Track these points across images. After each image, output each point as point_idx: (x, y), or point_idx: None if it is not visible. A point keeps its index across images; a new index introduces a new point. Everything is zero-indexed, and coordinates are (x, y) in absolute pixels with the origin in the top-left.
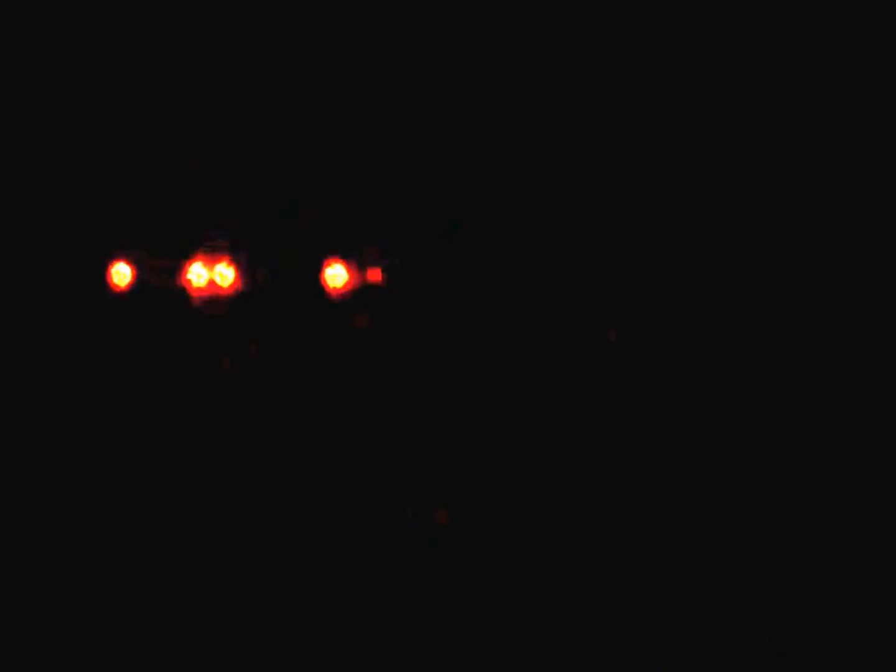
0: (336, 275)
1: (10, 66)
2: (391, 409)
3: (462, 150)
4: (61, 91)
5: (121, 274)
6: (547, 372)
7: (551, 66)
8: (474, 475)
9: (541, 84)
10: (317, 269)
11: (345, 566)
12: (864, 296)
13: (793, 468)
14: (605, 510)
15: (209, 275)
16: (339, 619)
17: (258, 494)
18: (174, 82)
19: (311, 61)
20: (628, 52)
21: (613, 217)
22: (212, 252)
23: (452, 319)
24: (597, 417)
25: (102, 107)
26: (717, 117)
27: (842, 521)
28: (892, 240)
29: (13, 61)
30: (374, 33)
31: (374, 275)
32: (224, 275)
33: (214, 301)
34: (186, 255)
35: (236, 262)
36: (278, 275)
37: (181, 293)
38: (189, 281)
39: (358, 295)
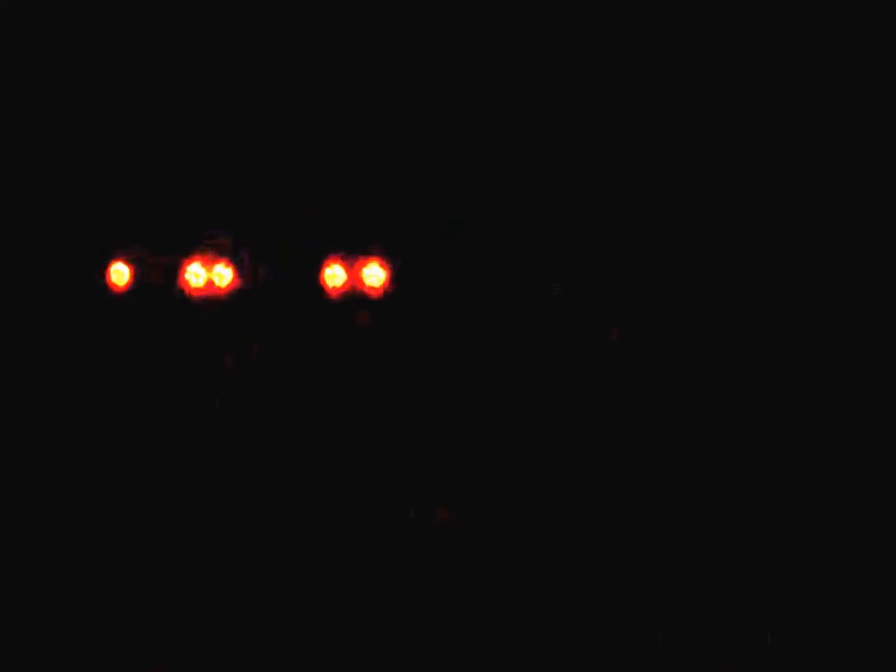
0: (335, 275)
1: (9, 65)
2: (391, 409)
3: (463, 150)
4: (61, 90)
5: (119, 273)
6: (548, 371)
7: (551, 66)
8: (475, 474)
9: (541, 84)
10: (316, 270)
11: (344, 567)
12: (864, 296)
13: (793, 468)
14: (606, 509)
15: (207, 275)
16: (339, 618)
17: (258, 494)
18: (173, 82)
19: (313, 61)
20: (628, 52)
21: (614, 217)
22: (214, 251)
23: (453, 318)
24: (598, 416)
25: (102, 106)
26: (717, 117)
27: (842, 522)
28: (893, 240)
29: (13, 60)
30: (374, 33)
31: (373, 275)
32: (222, 275)
33: (213, 301)
34: (185, 254)
35: (237, 260)
36: (278, 274)
37: (180, 293)
38: (187, 281)
39: (357, 295)
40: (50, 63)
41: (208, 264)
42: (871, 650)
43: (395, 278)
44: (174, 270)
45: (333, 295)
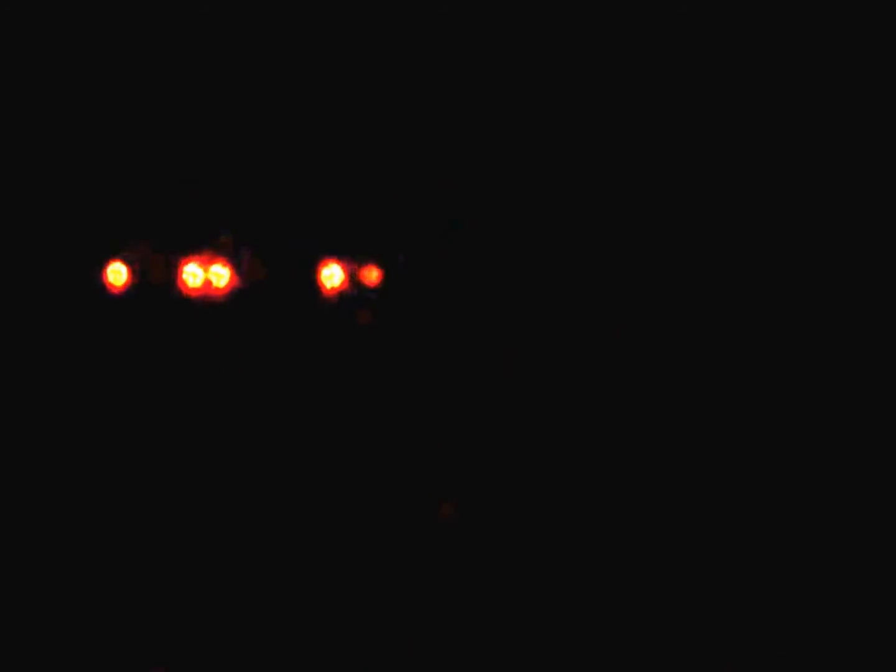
0: (332, 275)
1: (9, 63)
2: (392, 408)
3: (463, 150)
4: (60, 89)
5: (117, 273)
6: (548, 370)
7: (551, 66)
8: (475, 473)
9: (541, 84)
10: (313, 269)
11: (345, 565)
12: (864, 296)
13: (793, 468)
14: (608, 507)
15: (205, 275)
16: (341, 616)
17: (258, 494)
18: (172, 82)
19: (314, 61)
20: (628, 52)
21: (615, 217)
22: (214, 250)
23: (454, 318)
24: (599, 415)
25: (101, 105)
26: (717, 117)
27: (842, 522)
28: (893, 240)
29: (12, 59)
30: (373, 33)
31: (371, 275)
32: (220, 274)
33: (210, 300)
34: (183, 254)
35: (238, 259)
36: (277, 274)
37: (178, 292)
38: (184, 281)
39: (356, 294)
40: (49, 62)
41: (206, 264)
42: (872, 650)
43: (396, 278)
44: (172, 270)
45: (330, 295)
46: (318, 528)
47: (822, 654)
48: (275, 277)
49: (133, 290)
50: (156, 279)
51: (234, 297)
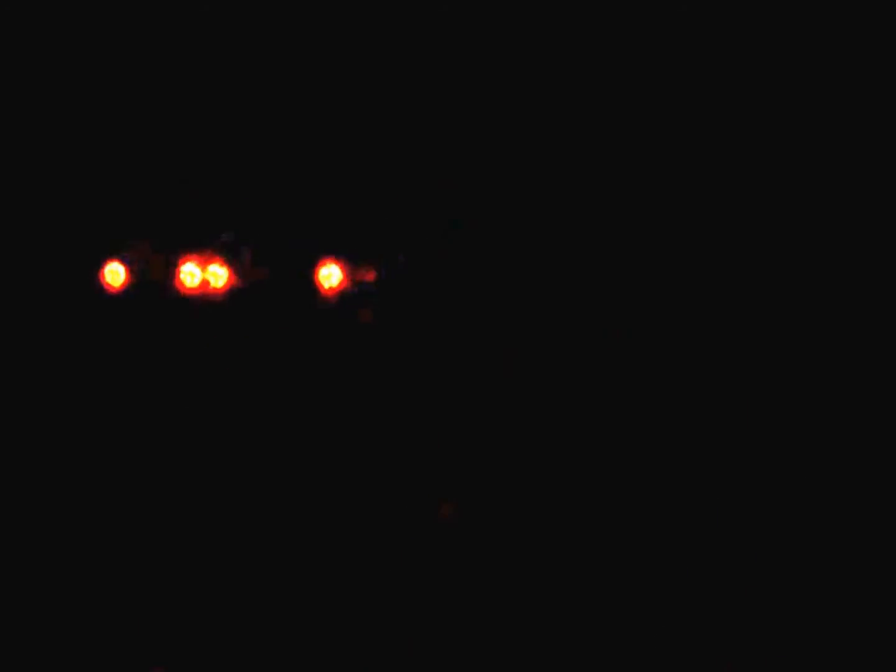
0: (330, 275)
1: (8, 62)
2: (392, 407)
3: (462, 150)
4: (59, 90)
5: (115, 273)
6: (548, 370)
7: (551, 66)
8: (475, 472)
9: (541, 84)
10: (311, 269)
11: (345, 565)
12: (864, 296)
13: (792, 468)
14: (608, 507)
15: (202, 274)
16: (341, 615)
17: (257, 493)
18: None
19: (313, 61)
20: (628, 52)
21: (614, 217)
22: (214, 249)
23: (454, 317)
24: (599, 414)
25: (100, 105)
26: (717, 117)
27: (842, 521)
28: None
29: (11, 58)
30: (373, 33)
31: (369, 274)
32: (217, 274)
33: (208, 300)
34: (181, 253)
35: (239, 259)
36: (276, 273)
37: (175, 292)
38: (182, 281)
39: (354, 293)
40: (48, 62)
41: (203, 264)
42: (872, 650)
43: (396, 277)
44: (172, 269)
45: (329, 294)
46: (318, 528)
47: (822, 654)
48: (274, 277)
49: (133, 289)
50: (155, 278)
51: (233, 296)
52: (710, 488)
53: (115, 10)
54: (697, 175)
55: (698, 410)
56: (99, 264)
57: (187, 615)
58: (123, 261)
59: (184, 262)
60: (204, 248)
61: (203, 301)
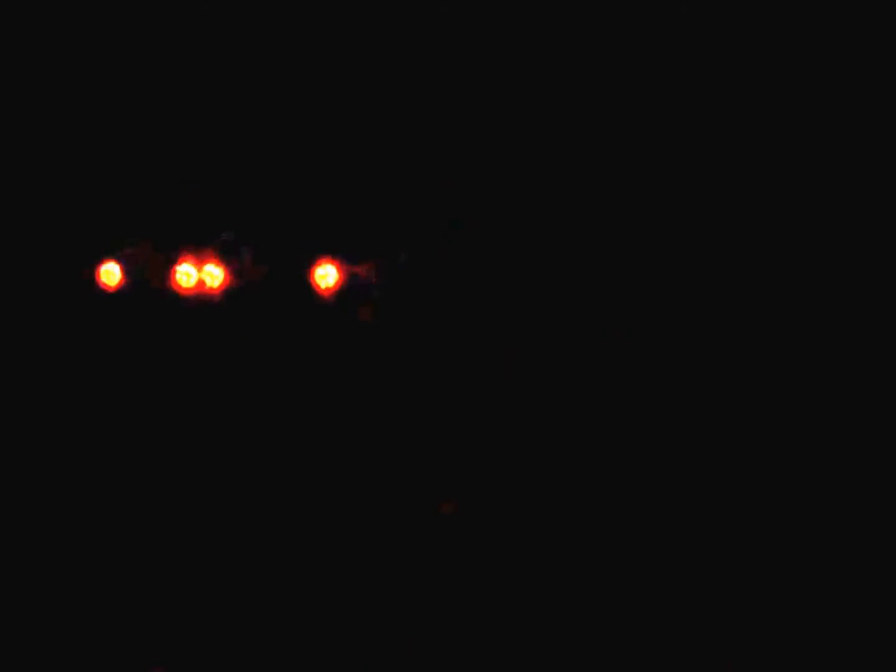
0: (327, 274)
1: (9, 64)
2: (393, 406)
3: (462, 150)
4: (58, 90)
5: (110, 273)
6: (548, 369)
7: (551, 66)
8: (475, 470)
9: (541, 85)
10: (308, 269)
11: (345, 564)
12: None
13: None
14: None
15: (198, 274)
16: (341, 614)
17: (255, 492)
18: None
19: (313, 62)
20: (628, 52)
21: (614, 216)
22: (212, 248)
23: (453, 316)
24: (598, 413)
25: (98, 106)
26: (716, 117)
27: (841, 522)
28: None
29: (12, 59)
30: (373, 34)
31: (368, 273)
32: (213, 274)
33: (204, 299)
34: (177, 253)
35: (240, 258)
36: (274, 273)
37: (171, 292)
38: (178, 281)
39: (355, 292)
40: (48, 62)
41: (199, 264)
42: (872, 650)
43: (396, 276)
44: (165, 270)
45: (325, 294)
46: (318, 527)
47: (823, 654)
48: (272, 276)
49: (129, 289)
50: (155, 278)
51: (230, 296)
52: (710, 488)
53: (114, 10)
54: (697, 175)
55: (698, 410)
56: (97, 263)
57: (187, 615)
58: (122, 260)
59: (180, 263)
60: (204, 247)
61: (199, 301)
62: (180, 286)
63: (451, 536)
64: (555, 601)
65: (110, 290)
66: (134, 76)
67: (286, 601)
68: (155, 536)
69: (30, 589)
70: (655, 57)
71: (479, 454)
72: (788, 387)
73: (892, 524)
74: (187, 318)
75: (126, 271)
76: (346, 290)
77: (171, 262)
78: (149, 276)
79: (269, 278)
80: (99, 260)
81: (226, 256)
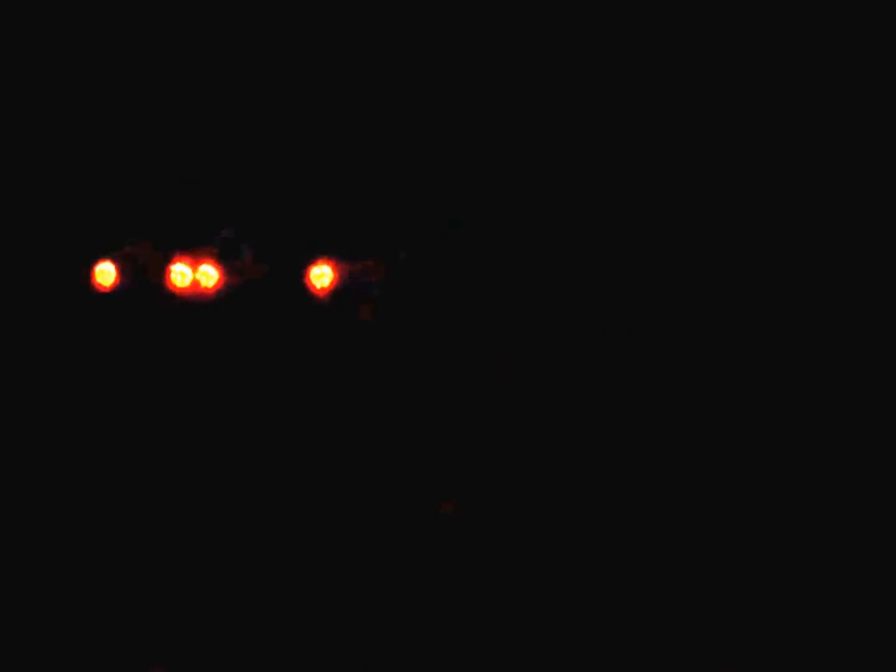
0: (323, 274)
1: (9, 64)
2: (391, 407)
3: (462, 150)
4: (58, 91)
5: (105, 273)
6: (547, 369)
7: (551, 66)
8: (475, 470)
9: (541, 85)
10: (306, 269)
11: (345, 563)
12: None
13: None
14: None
15: (193, 275)
16: (342, 613)
17: (254, 492)
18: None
19: (313, 62)
20: (628, 52)
21: (613, 216)
22: (211, 248)
23: (453, 316)
24: (598, 413)
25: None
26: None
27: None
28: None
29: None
30: (373, 34)
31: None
32: (208, 274)
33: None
34: (173, 253)
35: (240, 258)
36: (272, 273)
37: (166, 291)
38: (173, 281)
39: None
40: (48, 62)
41: (194, 264)
42: (871, 650)
43: (396, 276)
44: (161, 269)
45: (321, 294)
46: (317, 527)
47: (823, 654)
48: (270, 276)
49: (124, 288)
50: (154, 277)
51: (227, 295)
52: (709, 487)
53: (113, 11)
54: (697, 175)
55: (697, 409)
56: (94, 263)
57: (187, 615)
58: (119, 260)
59: (175, 262)
60: (203, 246)
61: (194, 300)
62: (175, 286)
63: (451, 536)
64: (555, 601)
65: (105, 291)
66: (134, 76)
67: (286, 601)
68: (154, 536)
69: (30, 589)
70: (655, 57)
71: (479, 454)
72: (788, 386)
73: (892, 524)
74: (182, 318)
75: (124, 270)
76: (345, 289)
77: (170, 261)
78: (147, 275)
79: (268, 277)
80: (96, 259)
81: (226, 254)
